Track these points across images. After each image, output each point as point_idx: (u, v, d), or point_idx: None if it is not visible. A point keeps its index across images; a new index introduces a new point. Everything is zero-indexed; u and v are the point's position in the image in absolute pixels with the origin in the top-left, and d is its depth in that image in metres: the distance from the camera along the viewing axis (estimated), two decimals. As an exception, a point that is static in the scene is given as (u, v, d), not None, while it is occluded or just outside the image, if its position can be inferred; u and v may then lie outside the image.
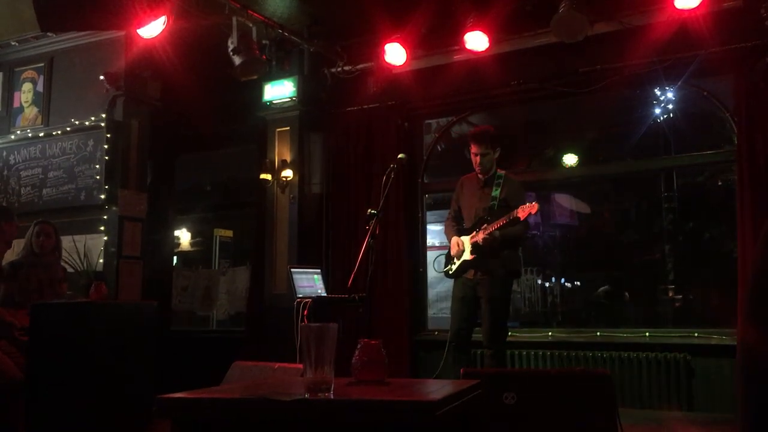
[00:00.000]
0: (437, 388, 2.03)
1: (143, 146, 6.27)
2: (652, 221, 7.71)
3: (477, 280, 4.63)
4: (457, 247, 4.71)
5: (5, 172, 6.56)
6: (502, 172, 4.74)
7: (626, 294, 7.18)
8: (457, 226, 4.86)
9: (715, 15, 4.91)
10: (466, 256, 4.66)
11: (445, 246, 5.27)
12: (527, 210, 4.46)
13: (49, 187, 6.31)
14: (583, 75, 5.50)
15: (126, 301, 5.62)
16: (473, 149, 4.68)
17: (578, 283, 8.14)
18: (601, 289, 7.33)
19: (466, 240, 4.68)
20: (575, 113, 6.77)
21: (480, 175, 4.75)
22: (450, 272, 4.79)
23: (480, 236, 4.55)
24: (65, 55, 6.49)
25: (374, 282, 4.13)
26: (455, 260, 4.74)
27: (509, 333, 4.85)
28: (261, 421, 1.78)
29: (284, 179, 6.27)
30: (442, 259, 4.99)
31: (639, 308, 7.20)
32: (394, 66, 5.86)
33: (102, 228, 5.96)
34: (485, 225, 4.56)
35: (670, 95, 6.34)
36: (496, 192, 4.65)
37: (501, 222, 4.48)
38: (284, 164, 6.30)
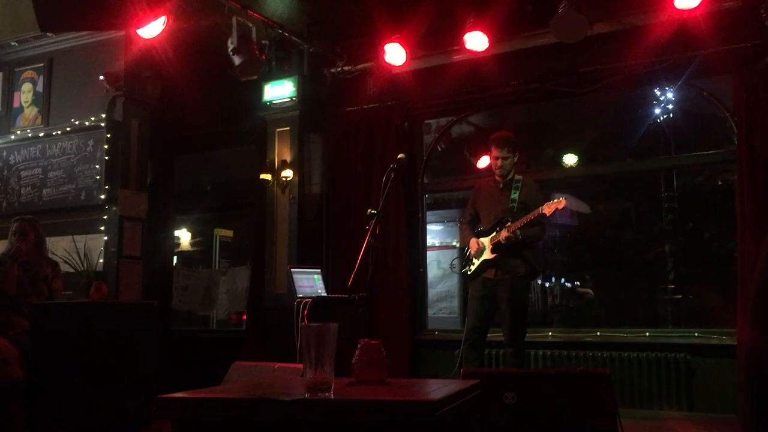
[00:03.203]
0: (437, 388, 2.03)
1: (143, 146, 6.27)
2: (652, 221, 7.70)
3: (497, 280, 4.67)
4: (477, 247, 4.75)
5: (5, 172, 6.56)
6: (519, 176, 4.83)
7: (590, 291, 7.21)
8: (474, 230, 4.90)
9: (715, 15, 4.91)
10: (487, 255, 4.70)
11: (445, 246, 5.26)
12: (554, 206, 4.48)
13: (49, 187, 6.31)
14: (583, 75, 5.50)
15: (126, 301, 5.63)
16: (494, 152, 4.77)
17: (578, 283, 8.13)
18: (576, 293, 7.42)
19: (486, 240, 4.72)
20: (575, 113, 6.76)
21: (498, 179, 4.81)
22: (469, 272, 4.82)
23: (502, 235, 4.58)
24: (65, 55, 6.49)
25: (374, 282, 4.13)
26: (474, 260, 4.78)
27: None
28: (261, 421, 1.78)
29: (284, 179, 6.27)
30: (458, 261, 5.04)
31: (605, 307, 7.24)
32: (394, 66, 5.86)
33: (102, 228, 5.96)
34: (508, 224, 4.59)
35: (670, 95, 6.33)
36: (515, 195, 4.72)
37: (525, 220, 4.53)
38: (284, 164, 6.30)
